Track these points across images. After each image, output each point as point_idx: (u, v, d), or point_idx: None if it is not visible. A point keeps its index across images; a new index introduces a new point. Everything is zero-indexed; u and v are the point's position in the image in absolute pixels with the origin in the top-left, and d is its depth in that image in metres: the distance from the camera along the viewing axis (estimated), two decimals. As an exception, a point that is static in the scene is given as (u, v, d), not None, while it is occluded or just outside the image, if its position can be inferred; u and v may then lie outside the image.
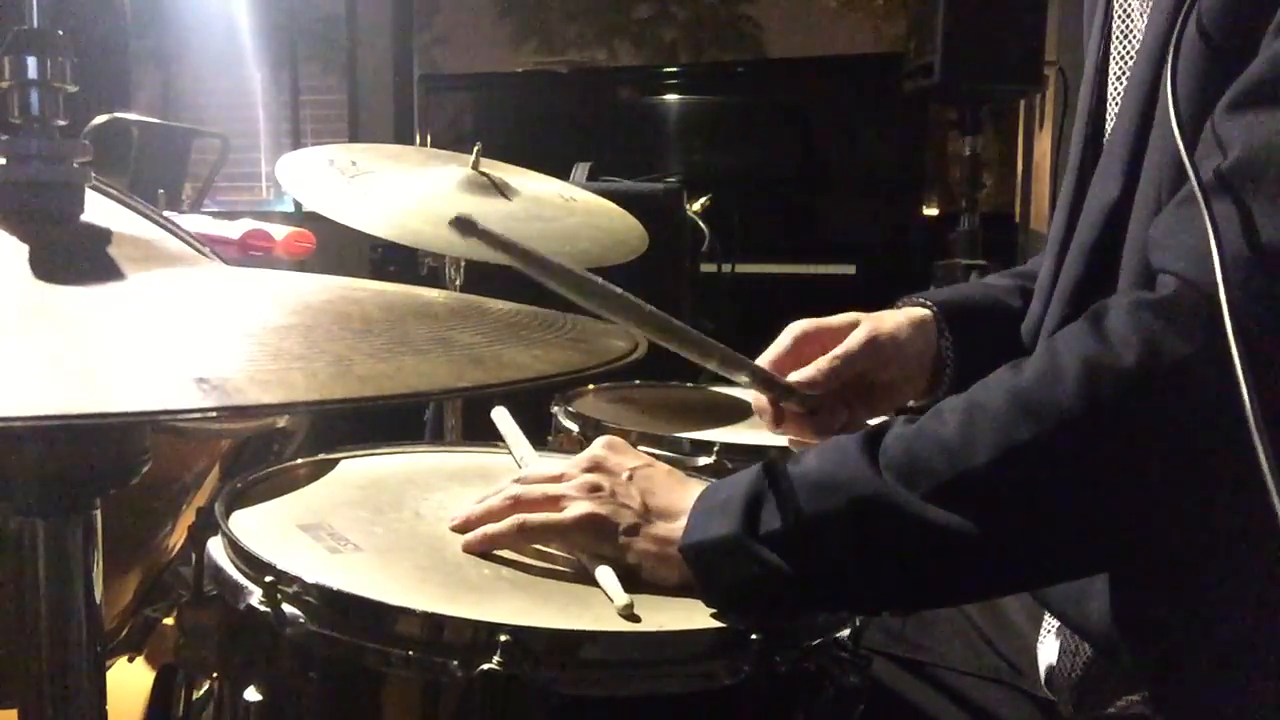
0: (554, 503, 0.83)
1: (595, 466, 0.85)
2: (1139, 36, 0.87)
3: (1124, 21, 0.90)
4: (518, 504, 0.84)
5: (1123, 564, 0.79)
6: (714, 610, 0.75)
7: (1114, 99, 0.91)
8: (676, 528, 0.78)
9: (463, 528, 0.85)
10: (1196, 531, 0.73)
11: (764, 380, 0.96)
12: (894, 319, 1.02)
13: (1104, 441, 0.69)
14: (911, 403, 1.05)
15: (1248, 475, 0.59)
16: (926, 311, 1.03)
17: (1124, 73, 0.90)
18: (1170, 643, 0.80)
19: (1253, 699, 0.77)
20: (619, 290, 0.78)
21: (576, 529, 0.80)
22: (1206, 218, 0.65)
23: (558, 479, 0.85)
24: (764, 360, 1.00)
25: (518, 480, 0.88)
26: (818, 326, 1.01)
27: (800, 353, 0.99)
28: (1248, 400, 0.59)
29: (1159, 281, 0.72)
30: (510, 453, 1.05)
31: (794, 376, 0.97)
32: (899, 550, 0.73)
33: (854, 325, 1.00)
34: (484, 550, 0.83)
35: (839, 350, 0.98)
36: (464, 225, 0.79)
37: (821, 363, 0.97)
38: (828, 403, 0.96)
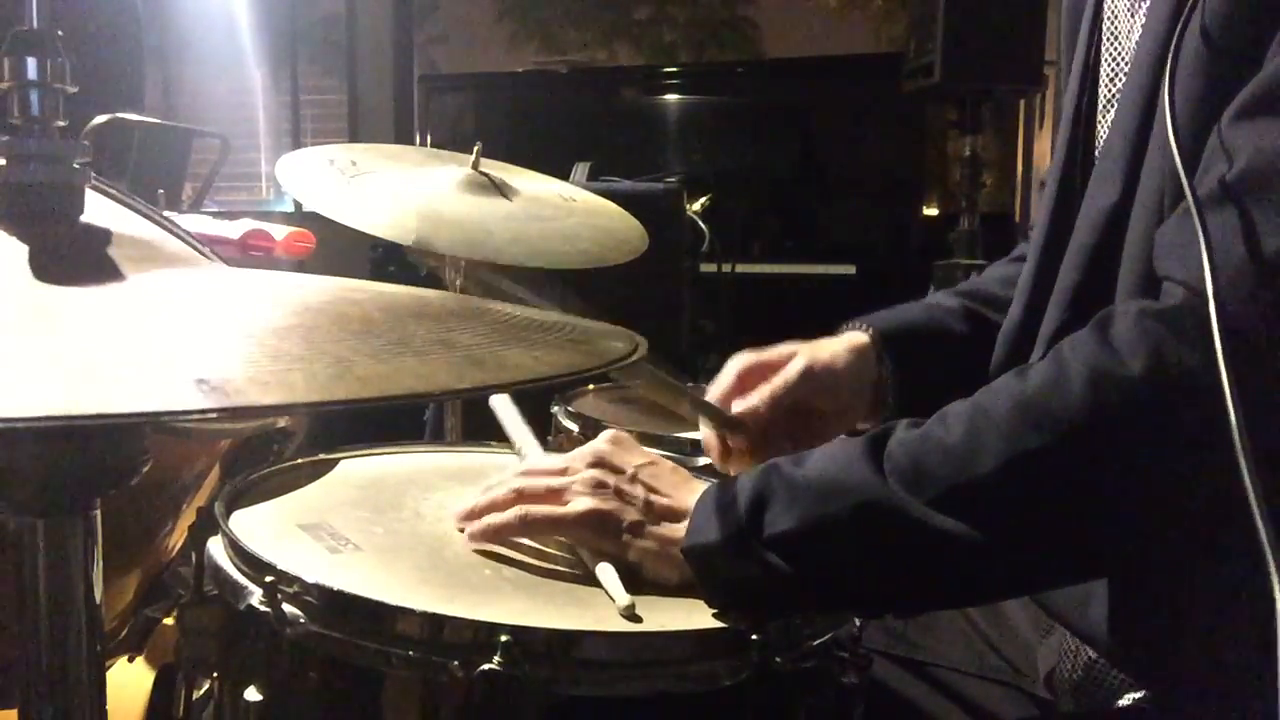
0: (557, 496, 0.83)
1: (600, 462, 0.85)
2: (1130, 37, 0.87)
3: (1114, 22, 0.90)
4: (522, 496, 0.84)
5: (1126, 570, 0.79)
6: (715, 610, 0.75)
7: (1106, 101, 0.90)
8: (679, 528, 0.78)
9: (467, 517, 0.85)
10: (1200, 538, 0.73)
11: (711, 414, 0.98)
12: (831, 347, 1.03)
13: (1110, 450, 0.69)
14: (860, 425, 1.05)
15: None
16: (865, 337, 1.03)
17: (1116, 74, 0.89)
18: (1172, 646, 0.80)
19: (1254, 703, 0.77)
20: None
21: (579, 524, 0.80)
22: (1200, 231, 0.65)
23: (562, 472, 0.85)
24: (710, 396, 1.02)
25: (522, 472, 0.88)
26: (759, 360, 1.02)
27: (744, 386, 1.01)
28: (1232, 410, 0.59)
29: (1164, 290, 0.72)
30: (509, 437, 1.05)
31: (736, 407, 0.98)
32: (903, 556, 0.73)
33: (793, 356, 1.01)
34: (487, 540, 0.83)
35: (777, 380, 0.99)
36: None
37: (763, 392, 0.98)
38: (771, 435, 0.98)
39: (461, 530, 0.85)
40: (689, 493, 0.81)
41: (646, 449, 0.90)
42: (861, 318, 1.06)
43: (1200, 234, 0.66)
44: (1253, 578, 0.72)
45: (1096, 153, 0.90)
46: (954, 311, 1.07)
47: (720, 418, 0.98)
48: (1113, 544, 0.72)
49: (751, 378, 1.01)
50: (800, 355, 1.01)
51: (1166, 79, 0.72)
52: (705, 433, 1.02)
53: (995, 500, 0.71)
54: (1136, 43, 0.85)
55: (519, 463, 1.00)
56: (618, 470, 0.84)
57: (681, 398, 0.93)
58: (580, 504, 0.81)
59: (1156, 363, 0.68)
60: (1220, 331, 0.63)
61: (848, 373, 1.01)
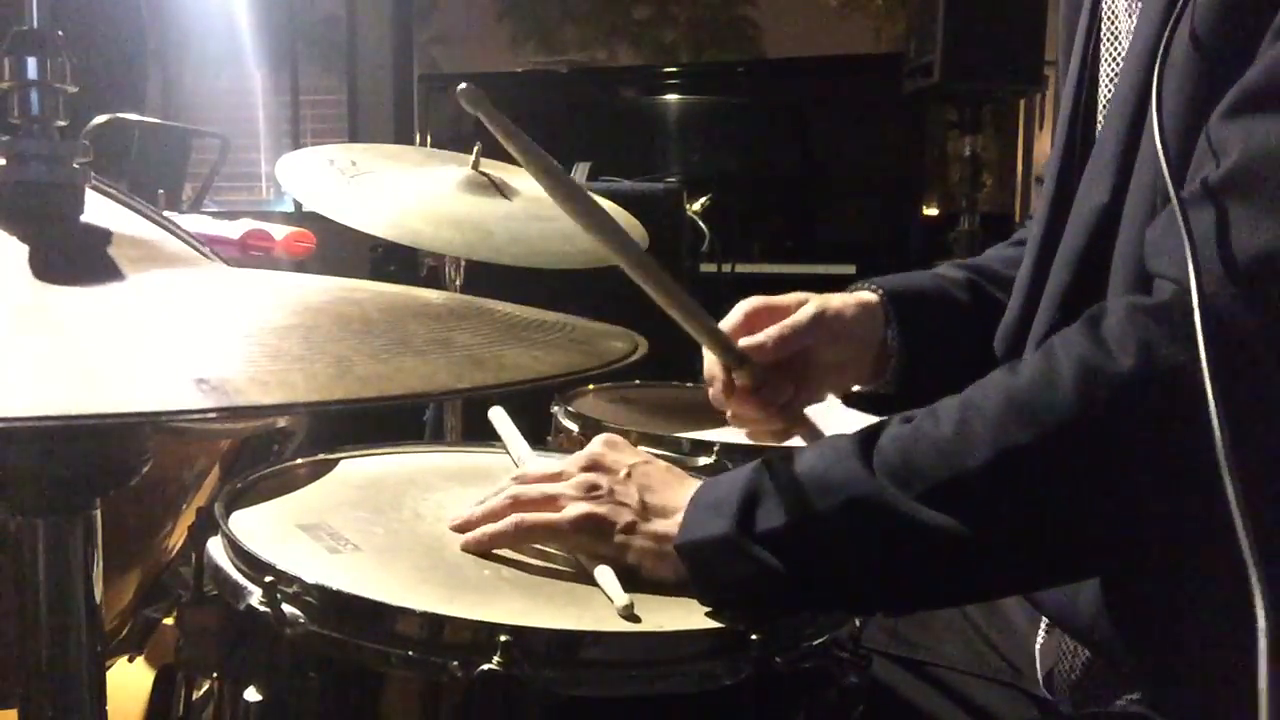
0: (552, 502, 0.83)
1: (593, 465, 0.85)
2: (1128, 38, 0.87)
3: (1112, 23, 0.90)
4: (516, 504, 0.84)
5: (1116, 566, 0.79)
6: (709, 608, 0.75)
7: (1105, 102, 0.90)
8: (673, 525, 0.78)
9: (462, 528, 0.85)
10: (1189, 534, 0.73)
11: (722, 344, 0.98)
12: (842, 300, 1.05)
13: (1099, 445, 0.69)
14: (856, 388, 1.07)
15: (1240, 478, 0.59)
16: (874, 296, 1.05)
17: (1114, 75, 0.89)
18: (1163, 642, 0.80)
19: (1246, 697, 0.77)
20: (606, 213, 0.79)
21: (574, 529, 0.80)
22: (1183, 228, 0.66)
23: (556, 478, 0.85)
24: None
25: (516, 479, 0.88)
26: (768, 302, 1.04)
27: (751, 326, 1.02)
28: (1213, 405, 0.60)
29: (1155, 286, 0.72)
30: (508, 453, 1.05)
31: (744, 343, 1.00)
32: (892, 551, 0.73)
33: (803, 302, 1.03)
34: (483, 550, 0.83)
35: (788, 321, 1.01)
36: (472, 97, 0.82)
37: (771, 331, 1.00)
38: (773, 379, 0.99)
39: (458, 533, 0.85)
40: (683, 490, 0.82)
41: (641, 449, 0.90)
42: (871, 279, 1.07)
43: (1183, 231, 0.66)
44: (1242, 575, 0.73)
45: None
46: (959, 282, 1.09)
47: (729, 349, 0.98)
48: (1103, 540, 0.72)
49: (760, 319, 1.02)
50: (812, 302, 1.03)
51: (1155, 78, 0.72)
52: (710, 366, 1.02)
53: (984, 496, 0.71)
54: (1129, 41, 0.85)
55: (516, 468, 1.00)
56: (610, 471, 0.84)
57: (694, 317, 0.94)
58: (574, 509, 0.81)
59: (1146, 359, 0.68)
60: (1207, 328, 0.63)
61: (855, 325, 1.02)
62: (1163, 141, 0.70)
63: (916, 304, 1.05)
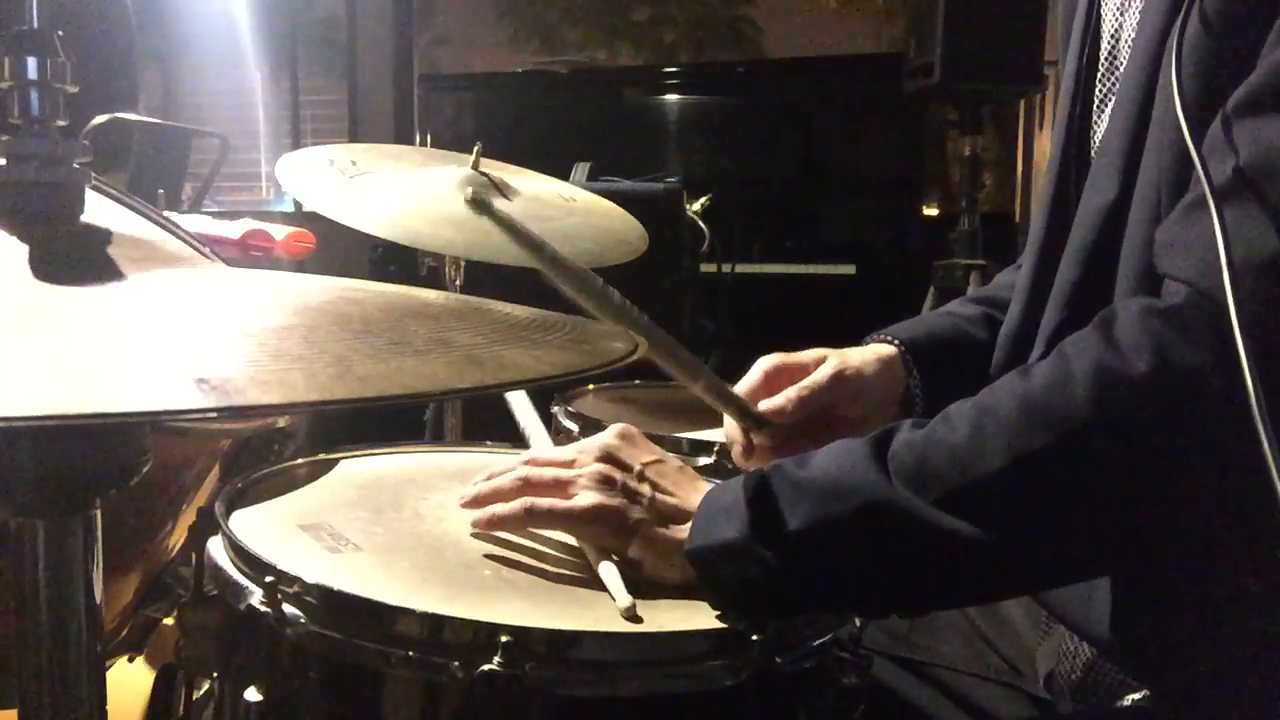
0: (563, 488, 0.83)
1: (608, 457, 0.85)
2: (1124, 36, 0.87)
3: (1107, 22, 0.90)
4: (527, 485, 0.84)
5: (1129, 568, 0.79)
6: (719, 611, 0.75)
7: (1101, 101, 0.90)
8: (683, 529, 0.78)
9: (471, 504, 0.85)
10: (1202, 536, 0.73)
11: (740, 409, 0.98)
12: (861, 355, 1.03)
13: (1115, 448, 0.69)
14: None
15: (1255, 481, 0.59)
16: (893, 349, 1.04)
17: (1110, 74, 0.89)
18: (1174, 644, 0.80)
19: (1255, 699, 0.77)
20: (619, 296, 0.79)
21: (584, 519, 0.80)
22: (1216, 222, 0.65)
23: (569, 464, 0.85)
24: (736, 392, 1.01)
25: (529, 461, 0.88)
26: (787, 361, 1.02)
27: (770, 386, 1.01)
28: (1256, 407, 0.59)
29: (1166, 287, 0.72)
30: (520, 428, 1.05)
31: (764, 405, 0.99)
32: (908, 556, 0.73)
33: (822, 360, 1.02)
34: (491, 528, 0.83)
35: (807, 382, 0.99)
36: (479, 205, 0.83)
37: (790, 392, 0.99)
38: (794, 438, 0.98)
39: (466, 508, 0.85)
40: (694, 492, 0.81)
41: (654, 445, 0.90)
42: (884, 330, 1.07)
43: (1216, 223, 0.65)
44: (1255, 577, 0.72)
45: (1093, 153, 0.90)
46: (975, 319, 1.08)
47: (748, 413, 0.98)
48: (1118, 542, 0.73)
49: (779, 379, 1.01)
50: (830, 360, 1.01)
51: (1172, 68, 0.72)
52: (729, 428, 1.02)
53: (1001, 500, 0.71)
54: (1131, 41, 0.85)
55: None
56: (625, 467, 0.84)
57: (699, 378, 0.93)
58: (586, 498, 0.81)
59: (1161, 361, 0.68)
60: (1228, 327, 0.62)
61: (876, 381, 1.02)
62: (1192, 138, 0.70)
63: (936, 351, 1.05)
